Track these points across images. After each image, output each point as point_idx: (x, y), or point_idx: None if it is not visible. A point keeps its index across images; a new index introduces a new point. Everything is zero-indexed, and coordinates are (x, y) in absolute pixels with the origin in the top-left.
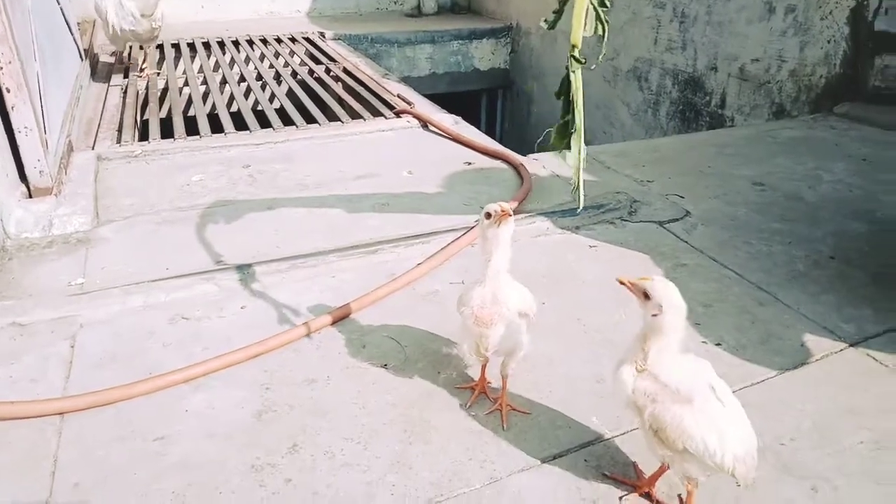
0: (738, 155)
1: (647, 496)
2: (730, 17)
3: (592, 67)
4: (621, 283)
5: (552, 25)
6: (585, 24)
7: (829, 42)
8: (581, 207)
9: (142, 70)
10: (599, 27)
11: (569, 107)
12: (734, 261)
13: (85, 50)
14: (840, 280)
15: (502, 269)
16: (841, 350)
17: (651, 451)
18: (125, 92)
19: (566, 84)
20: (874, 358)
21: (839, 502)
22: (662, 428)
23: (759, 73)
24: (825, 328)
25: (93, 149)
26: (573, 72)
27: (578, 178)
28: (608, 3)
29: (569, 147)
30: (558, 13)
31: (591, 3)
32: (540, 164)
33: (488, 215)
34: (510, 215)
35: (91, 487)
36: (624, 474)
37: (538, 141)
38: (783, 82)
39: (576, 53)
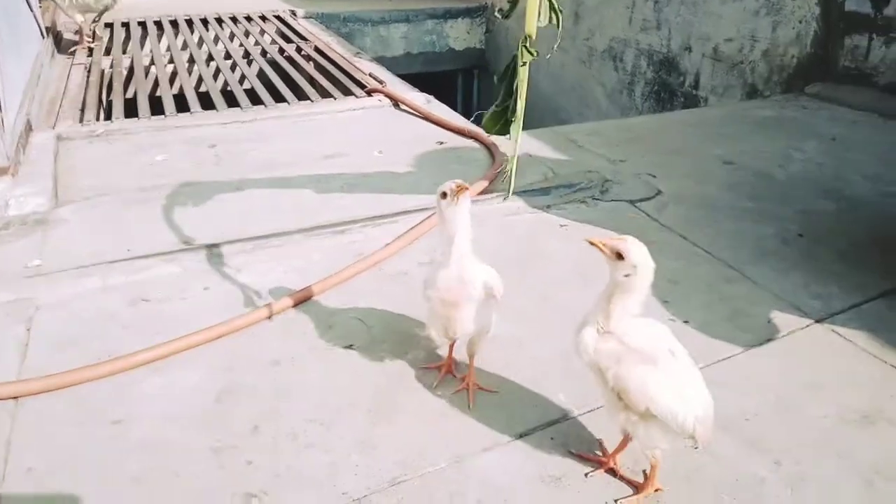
0: (711, 134)
1: (612, 472)
2: None
3: (548, 57)
4: (592, 244)
5: (507, 14)
6: (540, 13)
7: (800, 22)
8: (510, 195)
9: (98, 38)
10: (553, 17)
11: (510, 94)
12: (703, 239)
13: (47, 28)
14: (808, 257)
15: (466, 249)
16: (807, 326)
17: (611, 418)
18: (89, 71)
19: (511, 72)
20: (839, 333)
21: (802, 475)
22: (625, 389)
23: (733, 53)
24: (792, 305)
25: (53, 128)
26: (522, 64)
27: (512, 167)
28: None
29: (503, 133)
30: (513, 2)
31: None
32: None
33: (444, 195)
34: (467, 188)
35: (45, 472)
36: (590, 451)
37: (473, 119)
38: (756, 62)
39: (527, 45)
